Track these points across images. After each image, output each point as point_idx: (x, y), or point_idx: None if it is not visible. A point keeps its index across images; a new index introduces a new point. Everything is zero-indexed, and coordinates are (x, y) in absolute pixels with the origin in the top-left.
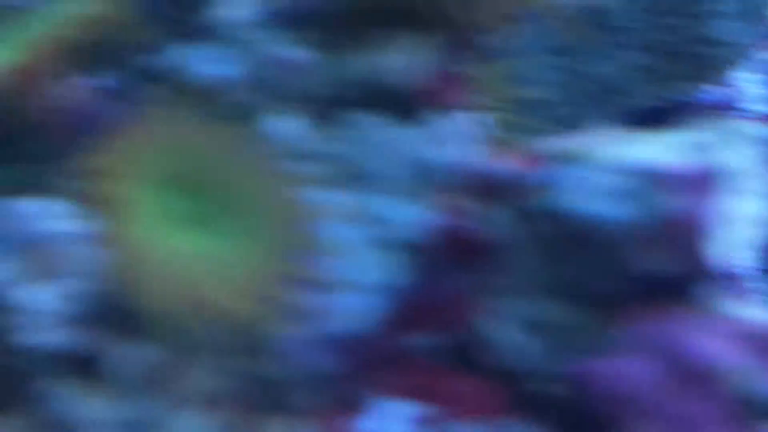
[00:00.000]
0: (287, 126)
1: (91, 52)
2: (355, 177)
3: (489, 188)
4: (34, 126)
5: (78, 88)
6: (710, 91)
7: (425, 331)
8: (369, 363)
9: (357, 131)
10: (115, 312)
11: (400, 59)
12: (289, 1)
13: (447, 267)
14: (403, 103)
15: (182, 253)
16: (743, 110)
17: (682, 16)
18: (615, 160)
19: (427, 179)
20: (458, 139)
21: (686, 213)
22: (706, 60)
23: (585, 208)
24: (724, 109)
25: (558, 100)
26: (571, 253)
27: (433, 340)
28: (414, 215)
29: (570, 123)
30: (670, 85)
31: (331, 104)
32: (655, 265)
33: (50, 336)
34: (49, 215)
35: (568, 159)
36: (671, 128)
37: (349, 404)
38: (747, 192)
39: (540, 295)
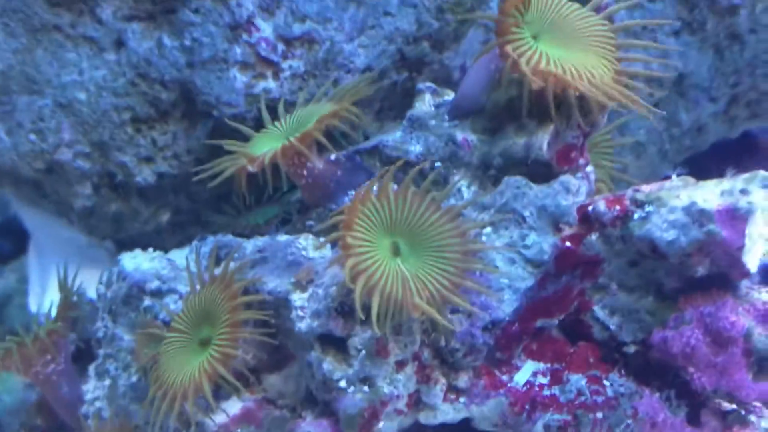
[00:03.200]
0: (462, 186)
1: (333, 137)
2: (505, 220)
3: (595, 222)
4: (296, 185)
5: (325, 162)
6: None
7: (552, 316)
8: (513, 339)
9: (508, 189)
10: (350, 307)
11: (537, 137)
12: (460, 100)
13: (566, 272)
14: (541, 164)
15: (392, 273)
16: None
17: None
18: (680, 202)
19: (557, 218)
20: (577, 190)
21: (726, 237)
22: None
23: (659, 235)
24: None
25: (646, 153)
26: (648, 263)
27: (558, 321)
28: (548, 242)
29: (654, 171)
30: (733, 128)
31: (489, 168)
32: (705, 269)
33: (311, 324)
34: (306, 246)
35: (649, 200)
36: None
37: (502, 364)
38: None
39: (628, 291)
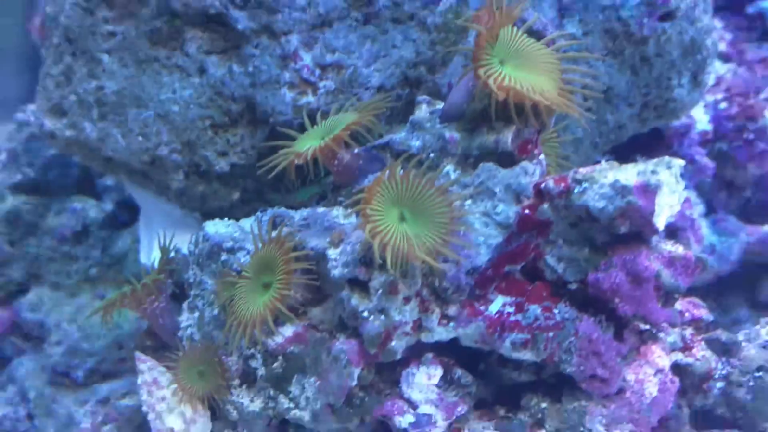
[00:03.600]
0: (449, 170)
1: (358, 136)
2: (481, 193)
3: (546, 195)
4: (330, 171)
5: (350, 155)
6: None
7: (515, 263)
8: (488, 280)
9: (483, 172)
10: (370, 259)
11: (504, 137)
12: (447, 109)
13: (525, 233)
14: (507, 155)
15: (400, 234)
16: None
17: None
18: (608, 180)
19: (519, 192)
20: (533, 172)
21: (641, 205)
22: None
23: (592, 204)
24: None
25: (582, 145)
26: (585, 225)
27: (520, 267)
28: (512, 210)
29: (588, 158)
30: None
31: (469, 158)
32: (626, 228)
33: (342, 271)
34: (338, 215)
35: (585, 179)
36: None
37: (480, 298)
38: (675, 193)
39: (570, 244)
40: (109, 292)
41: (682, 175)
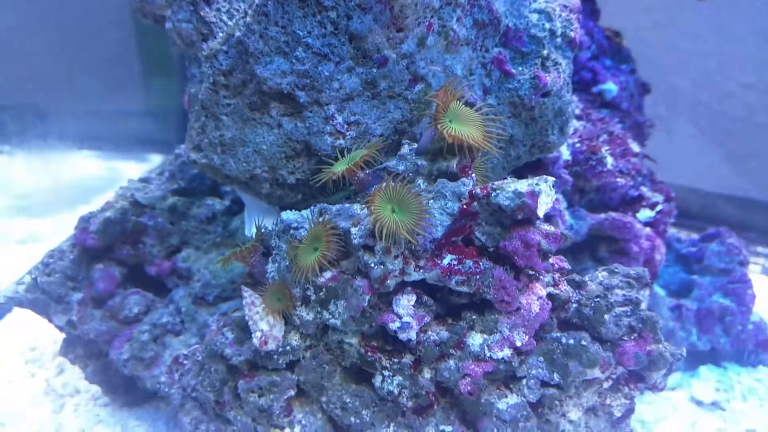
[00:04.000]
0: (420, 183)
1: (368, 162)
2: (438, 196)
3: (475, 197)
4: (353, 183)
5: (364, 174)
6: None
7: (458, 236)
8: (442, 246)
9: (439, 184)
10: (374, 233)
11: (452, 163)
12: (419, 147)
13: (464, 219)
14: (453, 174)
15: (392, 220)
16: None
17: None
18: (510, 188)
19: (459, 196)
20: (468, 184)
21: (530, 203)
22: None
23: (502, 202)
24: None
25: (497, 169)
26: (497, 215)
27: (461, 238)
28: (456, 206)
29: (500, 176)
30: (533, 156)
31: (432, 176)
32: (521, 216)
33: (359, 240)
34: (357, 209)
35: (498, 188)
36: (529, 175)
37: (437, 256)
38: (549, 196)
39: (482, 225)
40: (227, 252)
41: (553, 185)
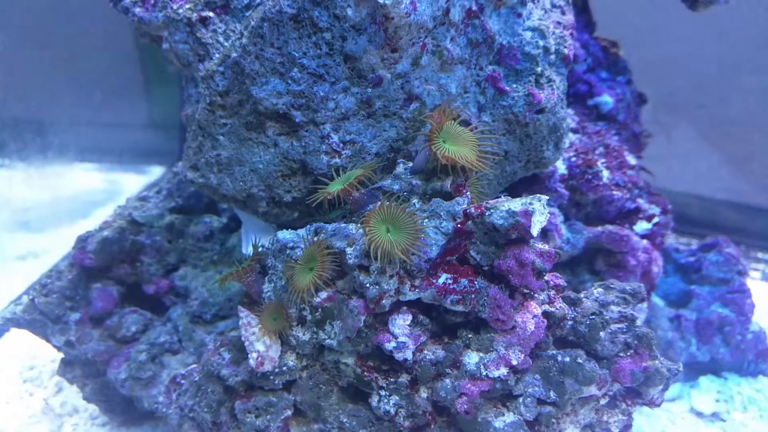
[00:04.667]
0: (415, 202)
1: (363, 183)
2: (433, 216)
3: (470, 216)
4: (348, 203)
5: (359, 193)
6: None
7: (453, 255)
8: (437, 265)
9: (434, 203)
10: (369, 253)
11: (446, 183)
12: (414, 167)
13: (458, 238)
14: (448, 193)
15: (387, 240)
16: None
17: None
18: (504, 207)
19: (454, 215)
20: (463, 203)
21: (523, 222)
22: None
23: (496, 221)
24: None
25: (492, 185)
26: (492, 234)
27: (456, 257)
28: (450, 225)
29: (494, 193)
30: (528, 172)
31: (427, 195)
32: (515, 235)
33: (354, 260)
34: (353, 229)
35: (492, 207)
36: (524, 193)
37: (433, 275)
38: (542, 214)
39: (477, 245)
40: (224, 270)
41: (549, 201)
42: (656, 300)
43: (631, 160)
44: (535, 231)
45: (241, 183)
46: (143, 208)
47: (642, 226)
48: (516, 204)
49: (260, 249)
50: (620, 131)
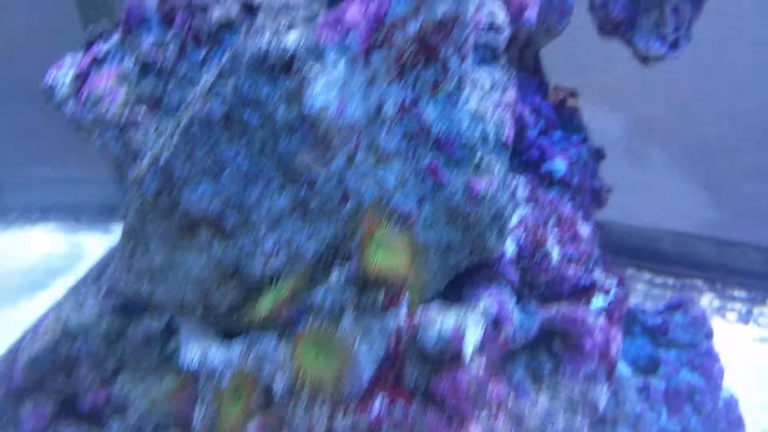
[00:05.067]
0: (347, 318)
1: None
2: (366, 335)
3: (400, 337)
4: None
5: (291, 312)
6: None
7: (387, 376)
8: (372, 388)
9: (366, 320)
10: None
11: (380, 295)
12: None
13: (391, 359)
14: (382, 305)
15: (315, 368)
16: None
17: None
18: (436, 325)
19: (387, 334)
20: (398, 316)
21: (454, 344)
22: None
23: (428, 344)
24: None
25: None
26: (424, 354)
27: (392, 377)
28: (383, 345)
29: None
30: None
31: (360, 308)
32: (448, 355)
33: None
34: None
35: (426, 323)
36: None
37: (366, 401)
38: (478, 327)
39: (422, 366)
40: (164, 378)
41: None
42: (623, 369)
43: (585, 229)
44: (468, 350)
45: (174, 291)
46: (81, 309)
47: (599, 301)
48: (449, 320)
49: (194, 362)
50: (575, 196)
